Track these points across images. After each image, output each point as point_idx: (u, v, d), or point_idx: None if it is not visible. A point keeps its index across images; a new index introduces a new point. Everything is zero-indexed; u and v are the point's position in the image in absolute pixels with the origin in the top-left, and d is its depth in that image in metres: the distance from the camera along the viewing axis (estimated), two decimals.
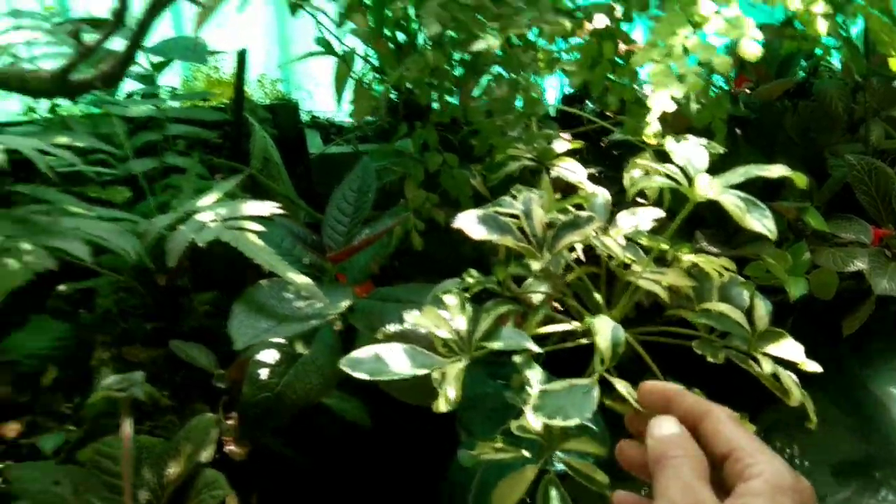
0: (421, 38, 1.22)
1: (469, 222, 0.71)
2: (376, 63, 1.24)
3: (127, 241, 0.75)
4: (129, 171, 0.98)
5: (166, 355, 1.00)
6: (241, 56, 1.13)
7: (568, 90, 1.46)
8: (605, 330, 0.59)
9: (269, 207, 0.85)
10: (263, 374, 0.91)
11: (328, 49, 1.19)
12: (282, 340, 0.95)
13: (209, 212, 0.81)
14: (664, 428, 0.41)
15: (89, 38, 1.05)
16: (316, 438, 1.10)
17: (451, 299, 0.71)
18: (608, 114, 1.27)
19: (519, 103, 0.97)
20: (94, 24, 1.07)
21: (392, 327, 0.91)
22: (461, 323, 0.69)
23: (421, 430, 1.11)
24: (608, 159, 1.35)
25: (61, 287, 1.16)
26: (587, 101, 1.39)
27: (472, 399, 1.04)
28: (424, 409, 0.99)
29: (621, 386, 0.51)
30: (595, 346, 0.59)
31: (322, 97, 1.52)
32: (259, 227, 0.82)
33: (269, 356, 0.92)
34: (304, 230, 0.99)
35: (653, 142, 0.70)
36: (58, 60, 1.00)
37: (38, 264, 0.68)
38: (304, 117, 1.49)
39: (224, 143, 1.19)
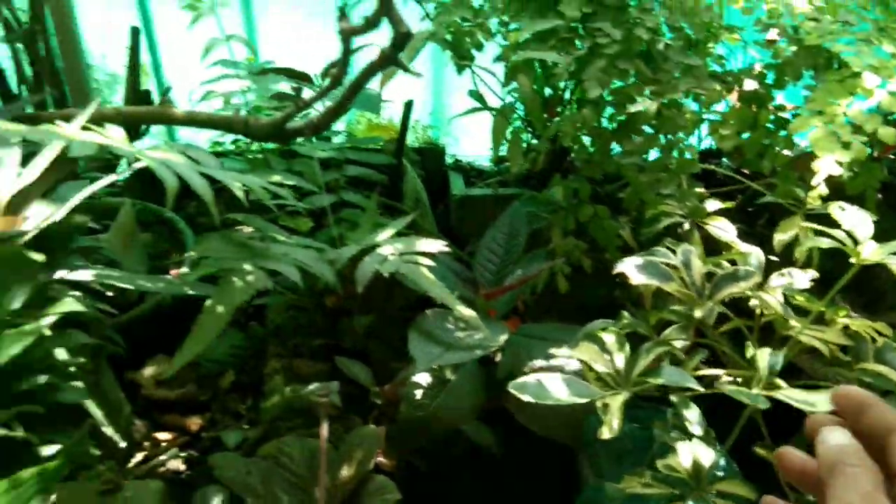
0: (567, 94, 1.31)
1: (630, 268, 0.79)
2: (521, 113, 1.34)
3: (323, 267, 0.87)
4: (311, 203, 1.12)
5: (329, 370, 1.12)
6: (408, 106, 1.26)
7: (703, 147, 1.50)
8: (763, 357, 0.64)
9: (438, 245, 0.95)
10: (418, 394, 1.00)
11: (482, 102, 1.30)
12: (434, 365, 1.04)
13: (389, 246, 0.92)
14: (837, 437, 0.41)
15: (270, 81, 1.21)
16: (448, 459, 1.18)
17: (609, 338, 0.78)
18: (745, 172, 1.31)
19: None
20: (291, 74, 1.23)
21: (538, 363, 0.98)
22: (620, 359, 0.75)
23: (544, 463, 1.17)
24: (744, 216, 1.38)
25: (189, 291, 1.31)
26: (724, 158, 1.43)
27: (602, 440, 1.09)
28: (549, 444, 1.05)
29: (793, 392, 0.55)
30: (756, 365, 0.64)
31: (467, 142, 1.64)
32: (430, 263, 0.91)
33: (424, 379, 1.02)
34: (460, 266, 1.09)
35: (817, 203, 0.74)
36: (245, 105, 1.16)
37: (258, 283, 0.81)
38: (449, 160, 1.61)
39: (382, 181, 1.32)
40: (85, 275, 0.80)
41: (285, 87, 1.11)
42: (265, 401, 1.05)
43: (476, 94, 1.32)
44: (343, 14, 0.72)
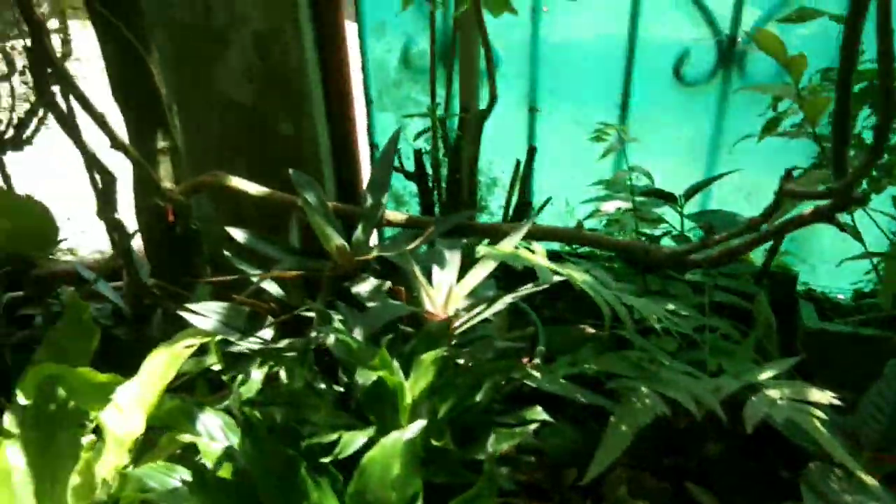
0: None
1: None
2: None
3: (710, 397, 0.90)
4: (677, 325, 1.16)
5: (673, 490, 1.13)
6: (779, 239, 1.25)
7: None
8: None
9: (827, 397, 0.92)
10: None
11: (859, 240, 1.24)
12: None
13: (775, 389, 0.92)
14: None
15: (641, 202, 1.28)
16: None
17: None
18: None
19: None
20: (660, 195, 1.31)
21: None
22: None
23: None
24: None
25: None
26: None
27: None
28: None
29: None
30: None
31: (823, 271, 1.56)
32: (823, 416, 0.89)
33: None
34: (839, 416, 1.03)
35: None
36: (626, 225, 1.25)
37: (657, 408, 0.86)
38: (799, 288, 1.55)
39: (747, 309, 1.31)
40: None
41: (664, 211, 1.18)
42: None
43: (854, 231, 1.26)
44: (789, 176, 0.76)
